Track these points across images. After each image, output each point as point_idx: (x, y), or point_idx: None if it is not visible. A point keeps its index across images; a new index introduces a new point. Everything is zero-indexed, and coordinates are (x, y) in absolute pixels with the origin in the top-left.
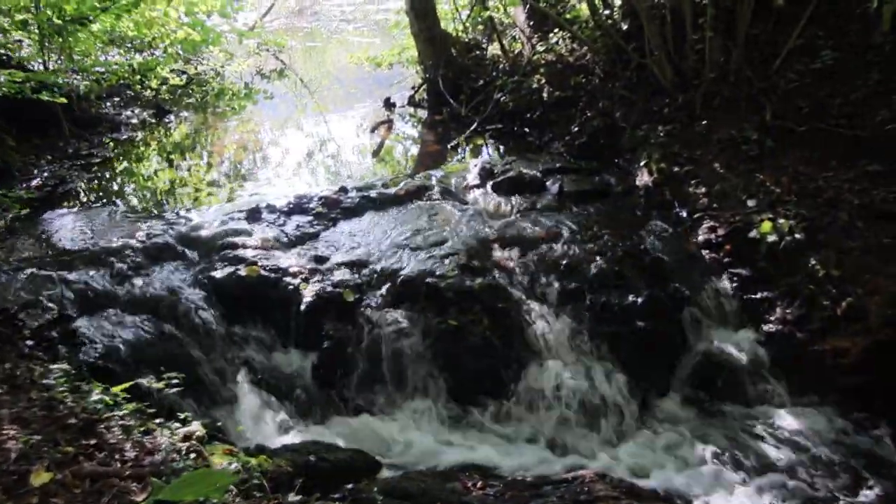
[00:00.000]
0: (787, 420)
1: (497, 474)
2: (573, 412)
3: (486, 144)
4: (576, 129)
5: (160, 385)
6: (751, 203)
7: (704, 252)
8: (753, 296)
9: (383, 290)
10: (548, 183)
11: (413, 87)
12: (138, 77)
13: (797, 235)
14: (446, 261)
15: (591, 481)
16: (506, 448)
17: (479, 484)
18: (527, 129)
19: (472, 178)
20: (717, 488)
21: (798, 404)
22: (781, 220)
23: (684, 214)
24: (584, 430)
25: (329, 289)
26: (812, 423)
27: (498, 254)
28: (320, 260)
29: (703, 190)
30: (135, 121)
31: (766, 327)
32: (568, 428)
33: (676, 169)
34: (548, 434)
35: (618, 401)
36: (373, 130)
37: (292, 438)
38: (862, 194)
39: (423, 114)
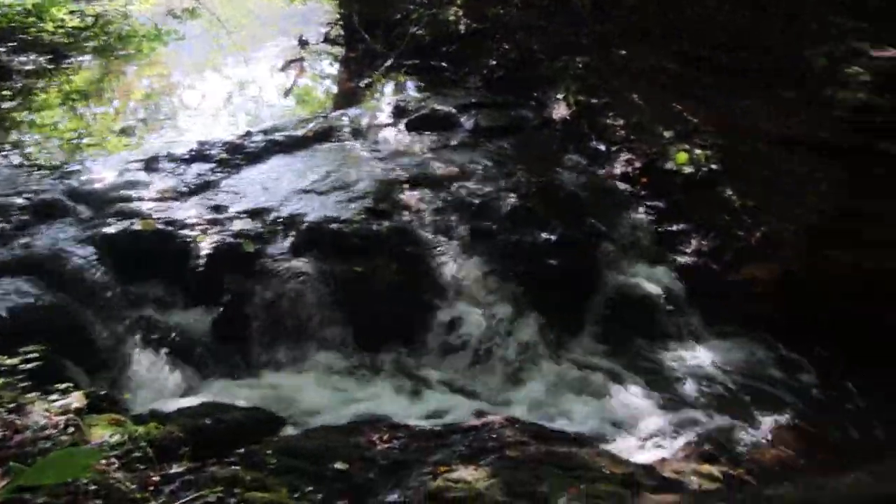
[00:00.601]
0: (701, 352)
1: (405, 424)
2: (484, 356)
3: (402, 81)
4: (492, 62)
5: (35, 354)
6: (667, 134)
7: (621, 185)
8: (670, 228)
9: (286, 238)
10: (462, 119)
11: (329, 24)
12: (32, 19)
13: (713, 166)
14: (353, 205)
15: (501, 427)
16: (415, 397)
17: (385, 436)
18: (443, 64)
19: (385, 116)
20: (628, 425)
21: (713, 336)
22: (698, 151)
23: (601, 147)
24: (496, 373)
25: (229, 240)
26: (726, 354)
27: (407, 195)
28: (220, 209)
29: (621, 122)
30: (30, 67)
31: (681, 260)
32: (479, 372)
33: (594, 101)
34: (459, 380)
35: (530, 341)
36: (283, 70)
37: (191, 402)
38: (778, 123)
39: (339, 51)
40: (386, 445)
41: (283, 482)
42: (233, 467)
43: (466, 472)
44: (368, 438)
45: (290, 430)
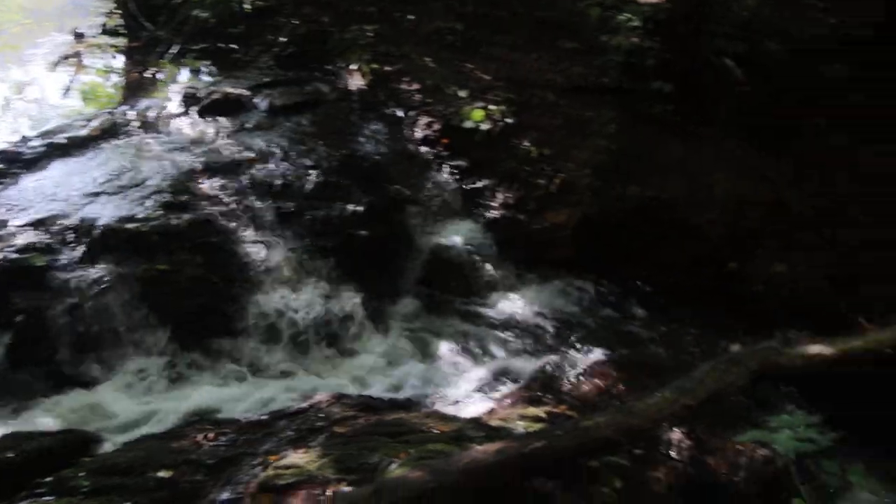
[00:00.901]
0: (517, 301)
1: (231, 419)
2: (305, 336)
3: (191, 66)
4: (283, 39)
5: None
6: (462, 94)
7: (423, 149)
8: (474, 185)
9: (80, 245)
10: (257, 100)
11: (107, 14)
12: None
13: (508, 120)
14: (148, 201)
15: (329, 405)
16: (240, 389)
17: (210, 435)
18: (233, 45)
19: (175, 105)
20: (455, 383)
21: (527, 283)
22: (493, 107)
23: (400, 113)
24: (320, 352)
25: (14, 256)
26: (541, 299)
27: (206, 184)
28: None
29: (416, 86)
30: None
31: (489, 214)
32: (302, 353)
33: (387, 68)
34: (282, 364)
35: (349, 315)
36: (57, 67)
37: None
38: (563, 73)
39: (122, 42)
40: (212, 444)
41: (101, 502)
42: (43, 498)
43: (296, 457)
44: (193, 440)
45: (107, 447)
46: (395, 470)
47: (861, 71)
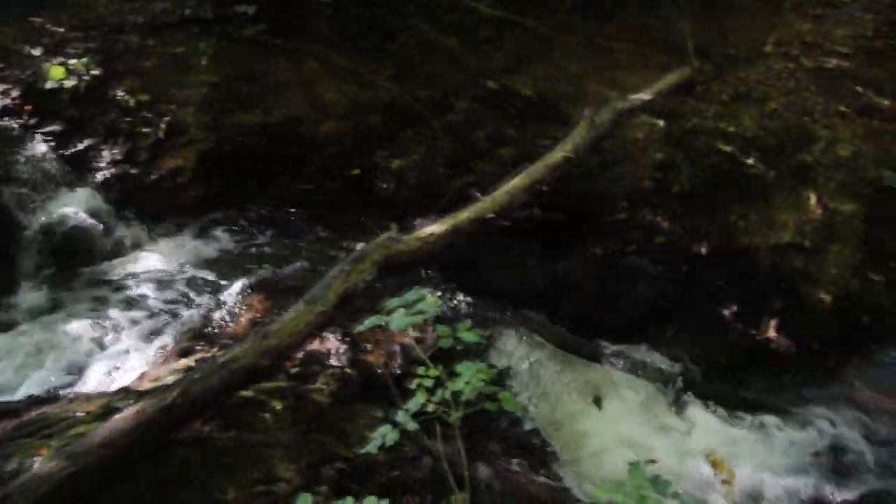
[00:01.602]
0: (149, 258)
1: None
2: None
3: None
4: None
5: None
6: (36, 52)
7: (5, 121)
8: (75, 148)
9: None
10: None
11: None
12: None
13: (95, 72)
14: None
15: None
16: None
17: None
18: None
19: None
20: (98, 360)
21: (156, 238)
22: (74, 62)
23: None
24: None
25: None
26: (174, 250)
27: None
28: None
29: None
30: None
31: (98, 176)
32: None
33: None
34: None
35: None
36: None
37: None
38: (144, 12)
39: None
40: None
41: None
42: None
43: None
44: None
45: None
46: (35, 468)
47: None
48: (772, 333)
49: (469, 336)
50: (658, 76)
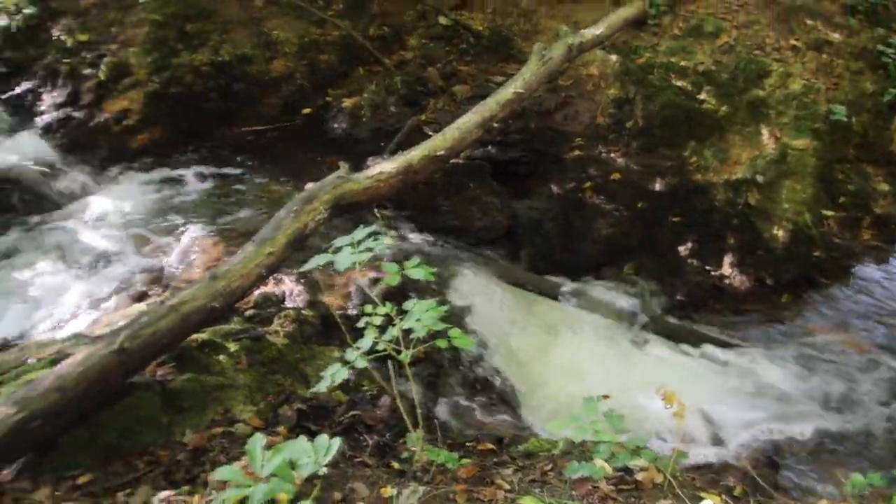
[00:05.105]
0: (101, 204)
1: None
2: None
3: None
4: None
5: None
6: None
7: None
8: (13, 92)
9: None
10: None
11: None
12: None
13: (27, 10)
14: None
15: None
16: None
17: None
18: None
19: None
20: (51, 307)
21: (107, 183)
22: (2, 1)
23: None
24: None
25: None
26: (124, 192)
27: None
28: None
29: None
30: None
31: (40, 120)
32: None
33: None
34: None
35: None
36: None
37: None
38: None
39: None
40: None
41: None
42: None
43: None
44: None
45: None
46: None
47: None
48: (727, 269)
49: (417, 272)
50: (612, 11)
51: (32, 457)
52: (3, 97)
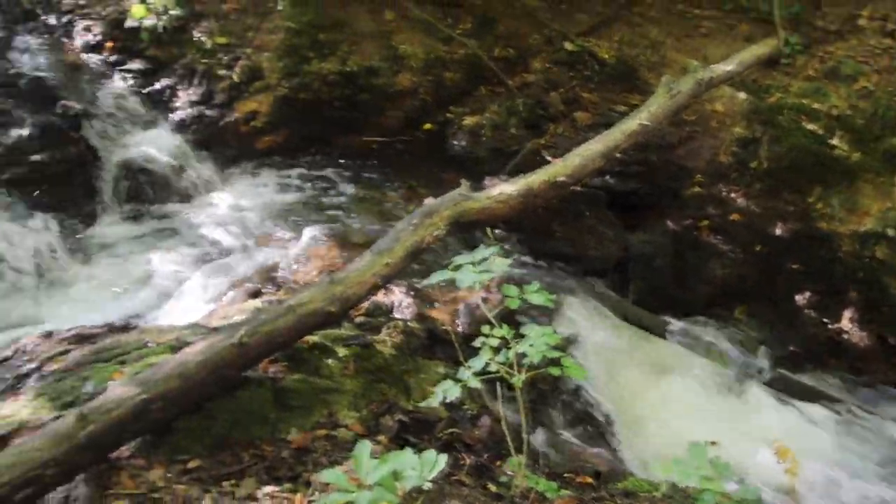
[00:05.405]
0: (224, 198)
1: None
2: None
3: None
4: None
5: None
6: None
7: (88, 56)
8: (153, 87)
9: None
10: None
11: None
12: None
13: (173, 12)
14: None
15: (35, 345)
16: None
17: None
18: None
19: None
20: (171, 294)
21: (230, 179)
22: (153, 1)
23: (53, 21)
24: (16, 294)
25: None
26: (248, 192)
27: None
28: None
29: None
30: None
31: (175, 116)
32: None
33: None
34: None
35: (42, 248)
36: None
37: None
38: None
39: None
40: None
41: None
42: None
43: (6, 408)
44: None
45: None
46: (109, 392)
47: None
48: (847, 324)
49: (538, 298)
50: (743, 47)
51: (150, 438)
52: (144, 91)
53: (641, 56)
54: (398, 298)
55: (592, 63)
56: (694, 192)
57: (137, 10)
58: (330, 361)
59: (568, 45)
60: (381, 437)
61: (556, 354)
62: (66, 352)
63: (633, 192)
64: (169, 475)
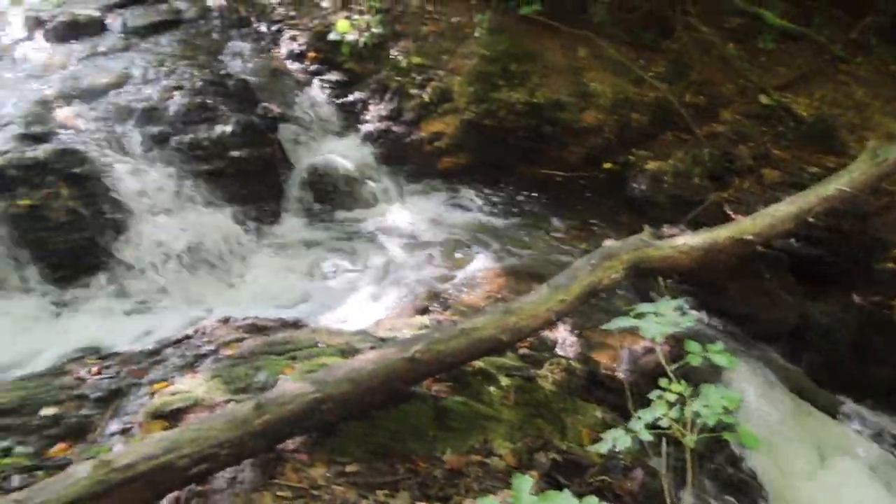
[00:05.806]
0: (402, 213)
1: (115, 352)
2: (188, 263)
3: None
4: None
5: None
6: (326, 4)
7: (292, 64)
8: (347, 99)
9: None
10: (109, 21)
11: None
12: None
13: (376, 30)
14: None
15: (214, 329)
16: (122, 321)
17: (94, 369)
18: None
19: (17, 29)
20: (343, 297)
21: (410, 194)
22: (357, 17)
23: (264, 29)
24: (202, 277)
25: None
26: (426, 209)
27: (62, 112)
28: None
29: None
30: None
31: (364, 128)
32: (185, 282)
33: None
34: (166, 293)
35: (230, 238)
36: None
37: None
38: None
39: None
40: (97, 378)
41: None
42: None
43: (184, 383)
44: (76, 376)
45: None
46: (284, 386)
47: None
48: None
49: (721, 359)
50: None
51: (315, 436)
52: (338, 102)
53: (842, 116)
54: (562, 335)
55: (787, 119)
56: (888, 268)
57: (342, 25)
58: (492, 389)
59: (763, 98)
60: (533, 473)
61: (730, 419)
62: (241, 339)
63: (819, 259)
64: (328, 475)
